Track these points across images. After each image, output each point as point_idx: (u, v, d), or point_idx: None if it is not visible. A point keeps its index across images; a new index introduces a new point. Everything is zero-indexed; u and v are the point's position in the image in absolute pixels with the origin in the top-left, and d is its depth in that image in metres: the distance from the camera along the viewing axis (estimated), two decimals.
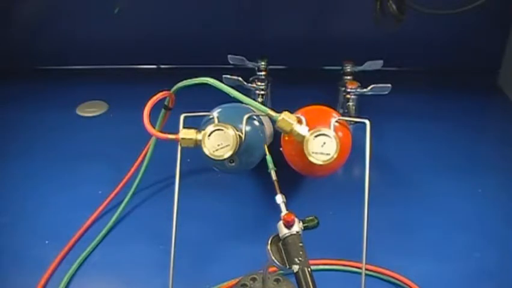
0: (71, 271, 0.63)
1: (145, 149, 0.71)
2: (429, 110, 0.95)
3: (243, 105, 0.59)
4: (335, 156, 0.56)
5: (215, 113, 0.60)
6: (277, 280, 0.58)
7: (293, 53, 1.03)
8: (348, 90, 0.86)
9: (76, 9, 1.02)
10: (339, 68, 0.91)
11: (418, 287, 0.60)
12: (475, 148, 0.85)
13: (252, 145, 0.60)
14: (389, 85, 0.80)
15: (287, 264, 0.44)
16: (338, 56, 0.91)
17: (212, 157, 0.58)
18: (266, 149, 0.57)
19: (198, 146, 0.58)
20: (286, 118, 0.56)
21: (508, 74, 1.01)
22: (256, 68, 0.89)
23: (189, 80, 0.59)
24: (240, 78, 0.81)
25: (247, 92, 0.80)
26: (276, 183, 0.48)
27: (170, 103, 0.63)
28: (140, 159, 0.73)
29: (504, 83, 1.02)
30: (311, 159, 0.56)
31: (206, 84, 0.57)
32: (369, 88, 0.83)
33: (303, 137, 0.57)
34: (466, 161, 0.82)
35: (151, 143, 0.69)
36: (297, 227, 0.46)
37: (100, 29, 1.03)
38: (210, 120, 0.60)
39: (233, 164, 0.60)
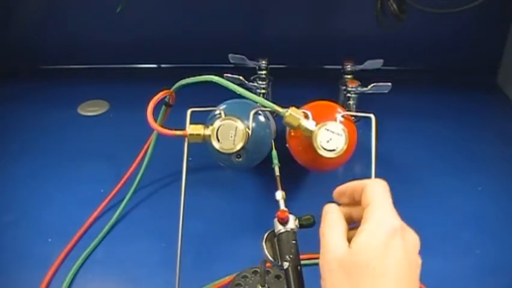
0: (74, 268, 0.63)
1: (145, 147, 0.71)
2: (429, 108, 0.95)
3: (248, 101, 0.60)
4: (344, 148, 0.57)
5: (222, 108, 0.60)
6: (277, 276, 0.58)
7: (294, 52, 1.04)
8: (349, 89, 0.87)
9: (77, 9, 1.02)
10: (340, 67, 0.91)
11: (419, 282, 0.60)
12: (475, 146, 0.85)
13: (259, 140, 0.60)
14: (389, 84, 0.81)
15: (279, 261, 0.44)
16: (339, 55, 0.91)
17: (222, 151, 0.58)
18: (272, 144, 0.57)
19: (205, 141, 0.58)
20: (293, 113, 0.57)
21: (508, 74, 1.02)
22: (257, 67, 0.89)
23: (194, 78, 0.58)
24: (241, 77, 0.81)
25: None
26: (278, 178, 0.47)
27: (171, 100, 0.63)
28: (140, 157, 0.73)
29: (503, 83, 1.03)
30: (321, 152, 0.57)
31: (210, 82, 0.57)
32: (369, 87, 0.83)
33: (311, 131, 0.57)
34: (465, 159, 0.82)
35: (152, 140, 0.69)
36: (292, 224, 0.46)
37: (101, 28, 1.04)
38: (216, 116, 0.60)
39: (240, 159, 0.60)
